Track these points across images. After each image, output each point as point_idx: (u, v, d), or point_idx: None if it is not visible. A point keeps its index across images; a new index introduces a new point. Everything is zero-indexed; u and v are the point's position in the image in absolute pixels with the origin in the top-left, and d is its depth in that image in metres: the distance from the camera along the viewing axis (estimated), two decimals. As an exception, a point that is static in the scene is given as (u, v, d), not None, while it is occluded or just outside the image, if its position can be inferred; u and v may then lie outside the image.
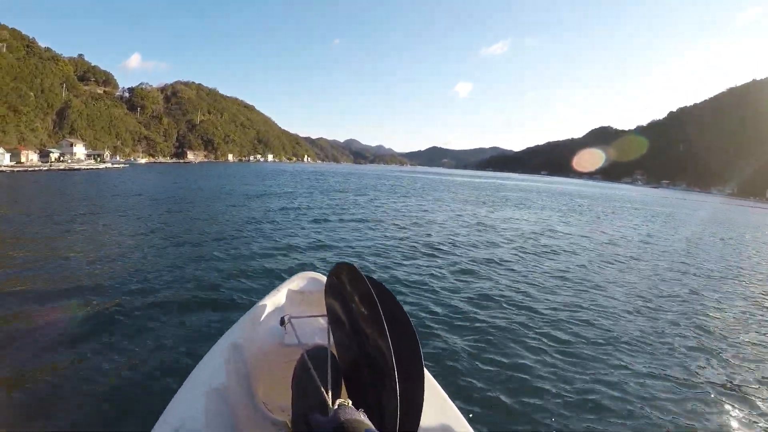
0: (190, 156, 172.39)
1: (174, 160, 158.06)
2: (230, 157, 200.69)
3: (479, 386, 4.45)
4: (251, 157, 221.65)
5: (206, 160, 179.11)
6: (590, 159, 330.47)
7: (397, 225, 16.54)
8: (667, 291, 9.35)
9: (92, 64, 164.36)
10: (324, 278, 3.05)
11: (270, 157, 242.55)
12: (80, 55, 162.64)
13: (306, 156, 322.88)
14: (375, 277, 8.07)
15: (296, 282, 3.26)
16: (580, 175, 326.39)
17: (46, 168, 64.99)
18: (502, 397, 4.27)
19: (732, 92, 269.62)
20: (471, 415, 3.90)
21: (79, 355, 4.82)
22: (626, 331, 6.46)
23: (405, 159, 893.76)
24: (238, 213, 18.21)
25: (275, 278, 7.77)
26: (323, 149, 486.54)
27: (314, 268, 4.90)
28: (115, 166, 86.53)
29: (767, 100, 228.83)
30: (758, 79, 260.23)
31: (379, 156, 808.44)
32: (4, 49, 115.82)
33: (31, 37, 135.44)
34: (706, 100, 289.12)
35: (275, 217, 17.46)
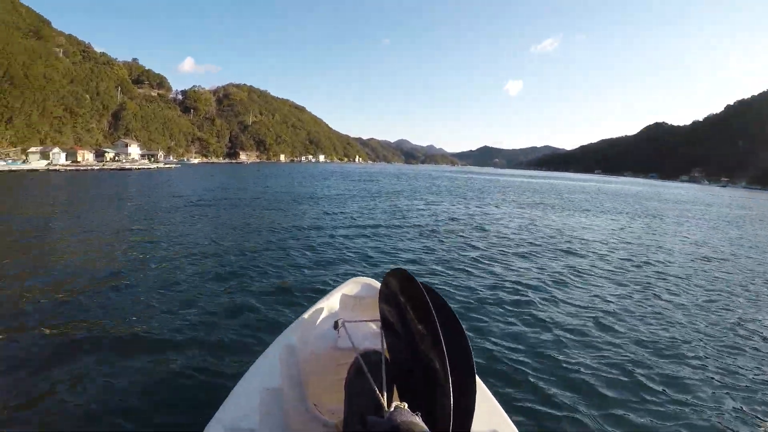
0: (243, 156, 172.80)
1: (227, 160, 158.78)
2: (282, 157, 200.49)
3: (535, 399, 4.18)
4: (302, 158, 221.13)
5: (258, 160, 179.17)
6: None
7: (459, 231, 15.09)
8: None
9: (146, 68, 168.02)
10: (377, 284, 3.16)
11: (321, 158, 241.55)
12: (134, 59, 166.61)
13: (357, 156, 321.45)
14: (438, 286, 7.64)
15: (350, 287, 3.28)
16: (636, 173, 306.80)
17: (98, 167, 64.89)
18: (559, 413, 3.99)
19: None
20: (522, 426, 3.67)
21: (136, 348, 4.91)
22: None
23: (456, 159, 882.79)
24: (289, 217, 17.07)
25: (329, 283, 7.56)
26: (374, 150, 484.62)
27: (368, 275, 4.61)
28: (167, 166, 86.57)
29: None
30: None
31: (430, 156, 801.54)
32: (61, 54, 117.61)
33: (86, 42, 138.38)
34: (765, 92, 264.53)
35: (327, 221, 16.29)
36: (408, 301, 1.90)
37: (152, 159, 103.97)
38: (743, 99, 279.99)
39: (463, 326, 1.81)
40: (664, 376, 4.81)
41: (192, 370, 4.41)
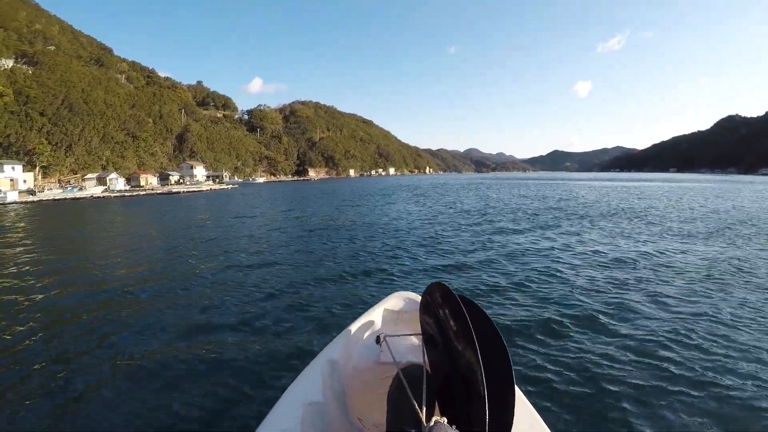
0: (311, 173, 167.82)
1: (294, 177, 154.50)
2: (351, 172, 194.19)
3: (578, 415, 4.09)
4: (372, 171, 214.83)
5: (327, 176, 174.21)
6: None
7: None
8: None
9: (211, 90, 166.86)
10: (418, 298, 3.16)
11: (392, 171, 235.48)
12: (199, 82, 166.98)
13: (428, 167, 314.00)
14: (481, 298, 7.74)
15: (392, 302, 3.29)
16: (712, 169, 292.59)
17: (143, 193, 62.08)
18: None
19: None
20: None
21: (192, 354, 5.39)
22: None
23: (527, 165, 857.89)
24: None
25: (374, 296, 7.67)
26: (444, 160, 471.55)
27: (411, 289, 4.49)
28: (223, 186, 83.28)
29: None
30: None
31: (500, 164, 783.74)
32: (123, 80, 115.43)
33: (150, 68, 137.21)
34: None
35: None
36: (447, 314, 1.91)
37: (217, 180, 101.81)
38: None
39: (504, 339, 1.79)
40: None
41: (234, 384, 4.56)
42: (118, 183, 72.62)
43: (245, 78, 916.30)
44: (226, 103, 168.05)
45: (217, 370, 4.88)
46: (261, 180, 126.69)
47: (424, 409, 1.62)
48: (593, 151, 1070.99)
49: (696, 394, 4.39)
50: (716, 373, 4.83)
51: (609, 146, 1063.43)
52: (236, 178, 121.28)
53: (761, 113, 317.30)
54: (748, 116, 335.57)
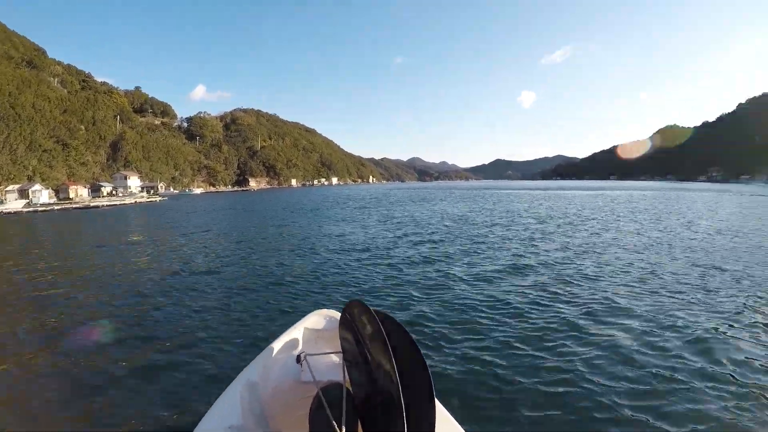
0: (252, 183, 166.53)
1: (235, 188, 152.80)
2: (294, 182, 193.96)
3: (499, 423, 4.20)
4: (315, 181, 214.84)
5: (269, 186, 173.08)
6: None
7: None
8: None
9: (149, 96, 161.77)
10: (338, 315, 3.09)
11: (334, 180, 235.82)
12: (137, 88, 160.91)
13: (371, 176, 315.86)
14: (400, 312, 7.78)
15: (312, 320, 3.28)
16: (652, 176, 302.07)
17: (59, 207, 55.34)
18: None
19: None
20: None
21: (95, 390, 5.04)
22: None
23: (469, 174, 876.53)
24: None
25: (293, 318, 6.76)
26: (387, 169, 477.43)
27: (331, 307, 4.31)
28: (151, 199, 77.57)
29: None
30: None
31: (443, 172, 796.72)
32: (56, 83, 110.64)
33: (87, 72, 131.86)
34: None
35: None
36: (365, 330, 1.91)
37: (152, 191, 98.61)
38: (753, 97, 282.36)
39: (422, 352, 1.80)
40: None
41: (154, 411, 4.45)
42: (41, 195, 67.47)
43: (188, 85, 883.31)
44: (165, 110, 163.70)
45: (128, 399, 4.76)
46: (198, 191, 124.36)
47: (344, 428, 1.64)
48: (535, 159, 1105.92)
49: (613, 401, 4.48)
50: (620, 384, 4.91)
51: (550, 155, 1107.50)
52: (172, 189, 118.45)
53: (698, 123, 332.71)
54: (686, 126, 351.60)
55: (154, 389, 4.89)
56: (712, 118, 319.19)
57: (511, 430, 4.03)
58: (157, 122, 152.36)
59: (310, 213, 34.96)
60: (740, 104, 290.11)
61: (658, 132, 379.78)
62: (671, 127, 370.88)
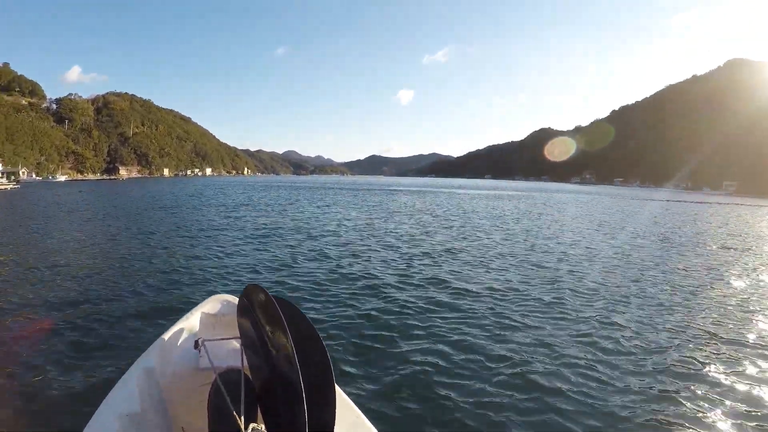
0: (123, 171, 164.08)
1: (104, 176, 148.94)
2: (166, 171, 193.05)
3: (395, 399, 4.34)
4: (188, 171, 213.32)
5: (140, 175, 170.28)
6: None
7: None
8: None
9: (18, 74, 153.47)
10: (236, 300, 2.96)
11: (208, 171, 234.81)
12: (5, 64, 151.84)
13: (246, 168, 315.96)
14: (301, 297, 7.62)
15: (210, 305, 3.23)
16: (527, 176, 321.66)
17: None
18: (419, 411, 4.16)
19: (672, 88, 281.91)
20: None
21: None
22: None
23: (345, 168, 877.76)
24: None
25: (191, 301, 7.04)
26: (262, 161, 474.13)
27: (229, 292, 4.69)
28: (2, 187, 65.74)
29: (710, 93, 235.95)
30: (699, 74, 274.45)
31: (319, 167, 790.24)
32: None
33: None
34: (647, 98, 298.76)
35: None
36: (263, 316, 1.91)
37: (12, 178, 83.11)
38: (626, 105, 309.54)
39: (322, 337, 1.86)
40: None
41: (48, 397, 4.22)
42: None
43: (63, 65, 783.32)
44: (33, 90, 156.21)
45: (22, 388, 4.41)
46: (63, 178, 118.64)
47: (242, 416, 1.60)
48: (410, 157, 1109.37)
49: (521, 396, 4.42)
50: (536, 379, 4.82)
51: (425, 153, 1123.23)
52: (35, 176, 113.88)
53: (570, 127, 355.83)
54: (560, 129, 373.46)
55: (52, 376, 4.64)
56: (585, 123, 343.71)
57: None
58: (24, 102, 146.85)
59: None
60: (613, 111, 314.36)
61: (533, 133, 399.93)
62: (545, 129, 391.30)
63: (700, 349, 5.82)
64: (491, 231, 18.76)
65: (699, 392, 4.59)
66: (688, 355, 5.61)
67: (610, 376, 4.91)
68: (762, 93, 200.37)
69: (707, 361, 5.40)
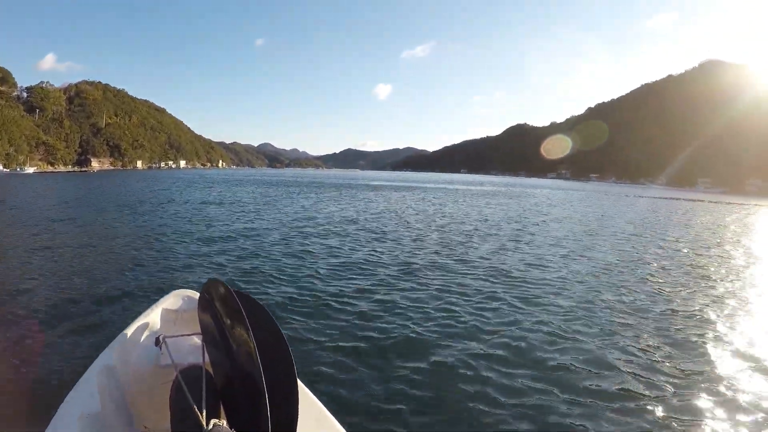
0: (95, 163, 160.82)
1: (75, 168, 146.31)
2: (139, 164, 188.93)
3: (358, 395, 4.40)
4: (162, 164, 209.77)
5: (112, 167, 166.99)
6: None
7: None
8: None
9: None
10: (197, 295, 2.95)
11: (183, 164, 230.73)
12: None
13: (221, 161, 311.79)
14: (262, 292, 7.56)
15: (170, 300, 3.16)
16: (503, 171, 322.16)
17: None
18: (383, 406, 4.20)
19: (648, 87, 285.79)
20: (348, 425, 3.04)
21: None
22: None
23: (320, 162, 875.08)
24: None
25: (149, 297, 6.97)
26: (238, 154, 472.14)
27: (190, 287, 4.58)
28: None
29: (686, 92, 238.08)
30: (674, 74, 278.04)
31: (295, 160, 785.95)
32: None
33: None
34: (623, 96, 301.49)
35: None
36: (224, 311, 1.91)
37: None
38: (602, 102, 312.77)
39: (284, 332, 1.82)
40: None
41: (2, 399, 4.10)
42: None
43: (38, 53, 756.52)
44: (4, 77, 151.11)
45: None
46: (31, 170, 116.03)
47: (204, 412, 1.58)
48: (386, 151, 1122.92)
49: (498, 396, 4.43)
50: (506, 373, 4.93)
51: (401, 147, 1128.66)
52: (2, 168, 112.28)
53: (546, 123, 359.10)
54: (536, 125, 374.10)
55: (7, 376, 4.54)
56: (561, 120, 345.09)
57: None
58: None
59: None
60: (589, 108, 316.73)
61: (509, 129, 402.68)
62: (521, 125, 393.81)
63: (701, 349, 5.93)
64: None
65: (699, 392, 4.68)
66: (688, 355, 5.71)
67: (598, 374, 5.04)
68: (736, 93, 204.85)
69: (707, 361, 5.51)
